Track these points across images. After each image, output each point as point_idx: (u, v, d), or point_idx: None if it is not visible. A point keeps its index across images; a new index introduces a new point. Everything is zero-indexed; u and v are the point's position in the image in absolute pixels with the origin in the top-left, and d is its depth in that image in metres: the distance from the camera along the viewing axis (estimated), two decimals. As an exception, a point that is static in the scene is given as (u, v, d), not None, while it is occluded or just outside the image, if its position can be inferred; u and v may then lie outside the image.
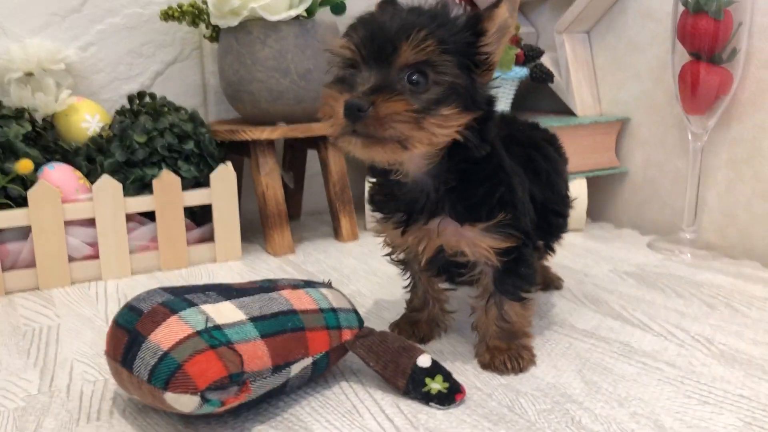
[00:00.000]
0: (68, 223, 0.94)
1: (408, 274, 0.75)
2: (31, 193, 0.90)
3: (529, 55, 1.22)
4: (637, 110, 1.22)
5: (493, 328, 0.68)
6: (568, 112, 1.28)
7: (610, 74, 1.26)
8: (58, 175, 0.95)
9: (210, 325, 0.55)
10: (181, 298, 0.58)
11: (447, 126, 0.58)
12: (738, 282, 0.92)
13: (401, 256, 0.72)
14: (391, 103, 0.55)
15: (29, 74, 1.03)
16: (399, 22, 0.57)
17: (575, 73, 1.26)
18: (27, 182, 0.93)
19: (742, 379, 0.65)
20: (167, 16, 1.08)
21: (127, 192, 0.97)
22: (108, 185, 0.95)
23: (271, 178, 1.07)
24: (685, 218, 1.08)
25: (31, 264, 0.93)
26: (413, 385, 0.62)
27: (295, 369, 0.60)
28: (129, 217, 0.98)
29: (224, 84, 1.10)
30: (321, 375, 0.66)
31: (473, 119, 0.59)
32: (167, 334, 0.54)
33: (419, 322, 0.75)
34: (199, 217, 1.07)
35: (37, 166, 0.95)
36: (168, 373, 0.52)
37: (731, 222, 1.07)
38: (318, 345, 0.62)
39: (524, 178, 0.68)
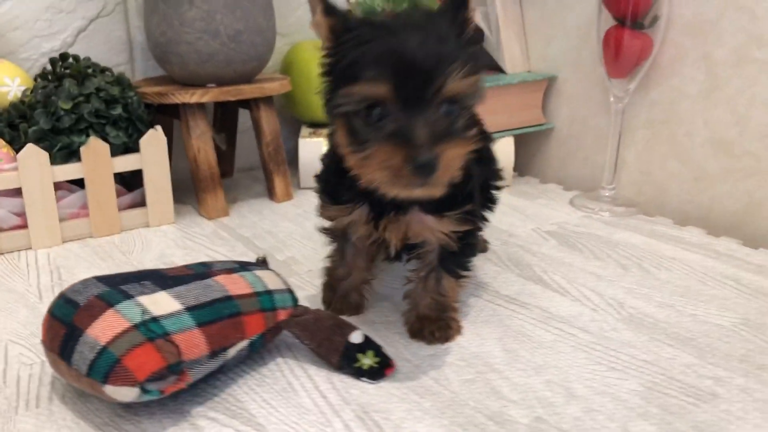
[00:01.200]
0: (-6, 194, 0.93)
1: (337, 245, 0.76)
2: (-48, 165, 0.88)
3: (460, 13, 1.23)
4: (564, 67, 1.25)
5: (427, 300, 0.72)
6: (498, 68, 1.30)
7: (539, 31, 1.28)
8: (-21, 144, 0.92)
9: (147, 317, 0.57)
10: (116, 289, 0.59)
11: (472, 146, 0.58)
12: (651, 241, 0.99)
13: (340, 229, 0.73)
14: (453, 150, 0.55)
15: (-59, 35, 0.98)
16: (430, 53, 0.54)
17: (505, 29, 1.28)
18: (-53, 153, 0.90)
19: (647, 344, 0.71)
20: (87, -29, 1.04)
21: (54, 160, 0.95)
22: (34, 154, 0.93)
23: (202, 141, 1.07)
24: (605, 176, 1.13)
25: (-43, 237, 0.91)
26: (346, 361, 0.65)
27: (232, 352, 0.62)
28: (57, 186, 0.97)
29: (151, 45, 1.08)
30: (257, 352, 0.68)
31: None
32: (104, 328, 0.56)
33: (349, 292, 0.77)
34: (130, 181, 1.06)
35: (-44, 134, 0.92)
36: (107, 367, 0.54)
37: (647, 179, 1.13)
38: (254, 327, 0.64)
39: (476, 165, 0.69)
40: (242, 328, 0.63)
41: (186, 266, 0.67)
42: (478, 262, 0.92)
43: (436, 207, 0.64)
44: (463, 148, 0.56)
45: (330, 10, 0.59)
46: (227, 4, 1.02)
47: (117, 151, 1.00)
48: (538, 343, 0.72)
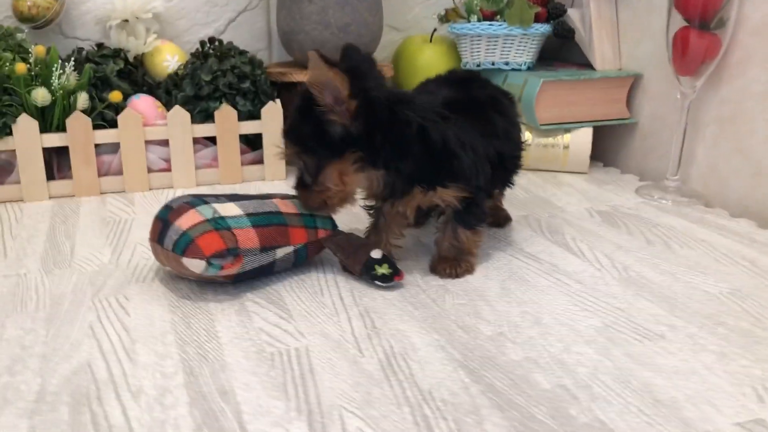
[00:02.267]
0: (148, 143, 1.21)
1: (375, 215, 0.93)
2: (121, 118, 1.17)
3: (552, 13, 1.35)
4: (649, 67, 1.33)
5: (446, 244, 0.88)
6: (591, 65, 1.41)
7: (630, 32, 1.37)
8: (142, 104, 1.21)
9: (216, 216, 0.79)
10: (199, 198, 0.82)
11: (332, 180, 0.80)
12: (692, 225, 1.06)
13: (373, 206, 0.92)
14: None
15: (125, 21, 1.28)
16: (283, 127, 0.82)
17: (597, 30, 1.38)
18: (118, 109, 1.19)
19: (629, 297, 0.82)
20: (235, -27, 1.30)
21: (195, 120, 1.22)
22: (179, 114, 1.20)
23: (312, 113, 1.29)
24: (670, 168, 1.21)
25: (119, 172, 1.21)
26: (365, 269, 0.84)
27: (280, 253, 0.83)
28: (196, 141, 1.24)
29: (280, 33, 1.32)
30: (304, 264, 0.89)
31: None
32: (186, 220, 0.78)
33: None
34: (254, 143, 1.30)
35: (127, 96, 1.22)
36: (185, 244, 0.77)
37: (713, 173, 1.19)
38: (298, 238, 0.85)
39: (479, 146, 0.83)
40: (287, 235, 0.83)
41: (259, 194, 0.89)
42: (519, 227, 1.05)
43: (430, 184, 0.81)
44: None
45: None
46: (338, 2, 1.23)
47: (243, 117, 1.25)
48: (533, 286, 0.85)
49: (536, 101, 1.28)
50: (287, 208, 0.86)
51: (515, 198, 1.20)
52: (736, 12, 1.10)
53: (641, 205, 1.17)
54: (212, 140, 1.26)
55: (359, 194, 0.87)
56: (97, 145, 1.19)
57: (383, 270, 0.83)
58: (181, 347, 0.70)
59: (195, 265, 0.77)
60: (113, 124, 1.18)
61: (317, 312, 0.78)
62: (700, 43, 1.12)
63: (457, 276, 0.87)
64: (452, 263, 0.88)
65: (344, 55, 0.83)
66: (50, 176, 1.19)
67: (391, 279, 0.83)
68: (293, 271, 0.88)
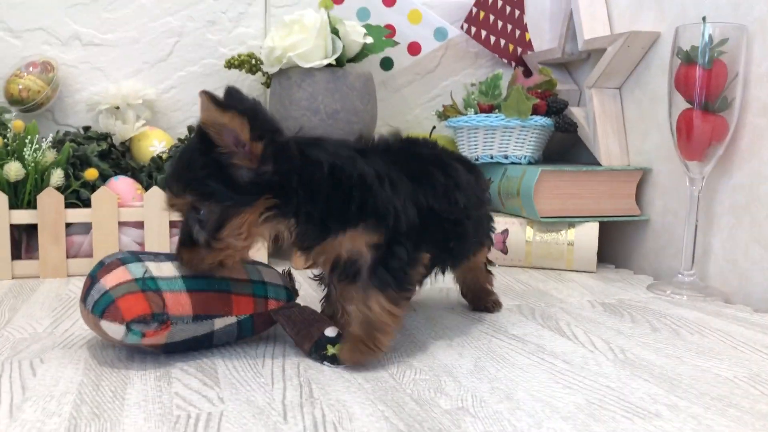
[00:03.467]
0: (123, 224, 1.15)
1: (323, 287, 0.83)
2: (95, 196, 1.12)
3: (553, 107, 1.31)
4: (658, 160, 1.25)
5: (356, 314, 0.71)
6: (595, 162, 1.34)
7: (636, 126, 1.31)
8: (121, 185, 1.17)
9: (147, 275, 0.71)
10: (134, 255, 0.74)
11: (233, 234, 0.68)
12: (707, 317, 0.93)
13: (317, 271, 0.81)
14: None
15: (117, 107, 1.27)
16: (169, 177, 0.70)
17: (602, 125, 1.32)
18: (95, 188, 1.15)
19: (623, 377, 0.69)
20: (230, 64, 1.30)
21: (174, 203, 1.17)
22: (156, 195, 1.15)
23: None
24: (683, 262, 1.09)
25: (90, 254, 1.14)
26: (315, 348, 0.73)
27: (219, 324, 0.73)
28: (173, 224, 1.17)
29: (270, 121, 1.29)
30: (249, 336, 0.78)
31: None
32: (112, 279, 0.70)
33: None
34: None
35: (107, 178, 1.18)
36: (104, 305, 0.68)
37: (732, 268, 1.08)
38: (243, 308, 0.75)
39: (402, 185, 0.72)
40: (229, 303, 0.74)
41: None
42: (508, 315, 0.94)
43: (337, 225, 0.69)
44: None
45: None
46: (328, 88, 1.21)
47: (225, 202, 1.19)
48: (511, 364, 0.73)
49: (535, 192, 1.20)
50: (236, 273, 0.77)
51: (510, 289, 1.09)
52: (741, 92, 1.04)
53: (652, 299, 1.05)
54: (191, 225, 1.20)
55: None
56: (68, 225, 1.13)
57: (335, 350, 0.72)
58: (77, 407, 0.59)
59: (114, 330, 0.68)
60: (88, 204, 1.13)
61: (250, 381, 0.67)
62: (705, 125, 1.05)
63: (358, 362, 0.70)
64: (360, 343, 0.70)
65: (229, 97, 0.74)
66: (17, 255, 1.13)
67: (341, 361, 0.72)
68: (239, 343, 0.78)
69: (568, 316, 0.93)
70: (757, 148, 1.04)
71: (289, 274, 0.84)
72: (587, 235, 1.23)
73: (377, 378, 0.68)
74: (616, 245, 1.35)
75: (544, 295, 1.06)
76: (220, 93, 1.37)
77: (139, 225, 1.16)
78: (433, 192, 0.76)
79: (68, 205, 1.13)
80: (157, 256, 0.75)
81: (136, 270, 0.71)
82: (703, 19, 1.04)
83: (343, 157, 0.70)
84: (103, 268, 0.72)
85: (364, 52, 1.27)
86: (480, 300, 0.96)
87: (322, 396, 0.63)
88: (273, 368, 0.70)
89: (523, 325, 0.88)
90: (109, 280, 0.70)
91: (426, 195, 0.74)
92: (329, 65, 1.22)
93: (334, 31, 1.22)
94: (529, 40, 1.53)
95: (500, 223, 1.27)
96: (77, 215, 1.13)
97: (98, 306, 0.68)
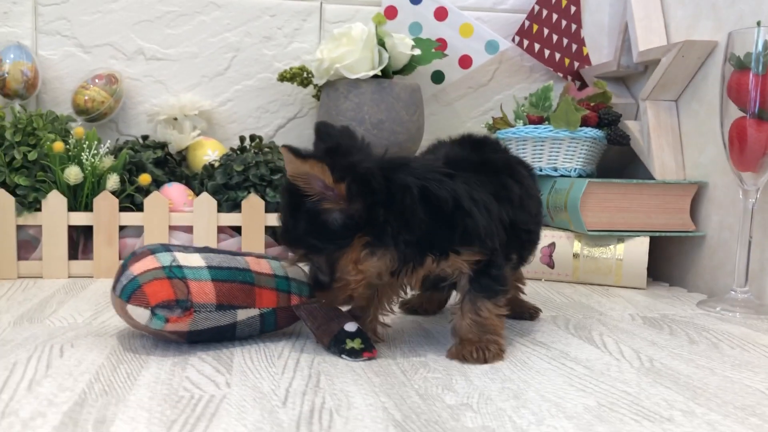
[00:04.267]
0: (173, 228, 1.20)
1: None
2: (147, 200, 1.17)
3: (605, 118, 1.28)
4: (714, 173, 1.20)
5: (466, 322, 0.74)
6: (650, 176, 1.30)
7: (693, 139, 1.26)
8: (174, 191, 1.22)
9: (174, 264, 0.73)
10: (163, 246, 0.77)
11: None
12: (755, 333, 0.88)
13: None
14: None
15: (175, 118, 1.33)
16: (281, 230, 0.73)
17: (656, 138, 1.28)
18: (149, 193, 1.20)
19: (643, 384, 0.66)
20: (282, 77, 1.34)
21: (222, 209, 1.21)
22: (206, 200, 1.19)
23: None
24: (736, 278, 1.04)
25: (141, 256, 1.19)
26: (335, 342, 0.73)
27: (242, 315, 0.75)
28: (221, 229, 1.21)
29: (319, 132, 1.32)
30: (272, 330, 0.79)
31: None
32: (140, 266, 0.73)
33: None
34: (282, 239, 1.26)
35: (162, 183, 1.23)
36: (131, 290, 0.71)
37: (791, 285, 1.02)
38: (266, 301, 0.77)
39: (492, 205, 0.73)
40: (252, 296, 0.75)
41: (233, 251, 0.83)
42: (542, 325, 0.91)
43: (442, 249, 0.71)
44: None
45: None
46: (374, 99, 1.23)
47: (272, 208, 1.22)
48: (529, 367, 0.71)
49: (581, 203, 1.18)
50: (259, 266, 0.79)
51: (550, 301, 1.06)
52: (799, 99, 0.98)
53: (700, 315, 1.00)
54: (238, 230, 1.23)
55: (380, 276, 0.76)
56: (122, 228, 1.19)
57: (354, 344, 0.73)
58: (90, 384, 0.62)
59: (139, 314, 0.70)
60: (142, 209, 1.19)
61: (261, 370, 0.68)
62: (759, 134, 1.00)
63: (486, 361, 0.72)
64: (478, 345, 0.73)
65: (318, 135, 0.76)
66: (74, 256, 1.19)
67: (360, 354, 0.72)
68: (260, 337, 0.79)
69: (603, 327, 0.90)
70: (815, 158, 0.98)
71: None
72: (637, 249, 1.18)
73: (388, 373, 0.68)
74: (670, 263, 1.29)
75: (584, 308, 1.03)
76: (274, 105, 1.42)
77: (189, 229, 1.20)
78: (511, 205, 0.77)
79: (122, 209, 1.18)
80: (186, 248, 0.78)
81: (163, 258, 0.74)
82: (758, 23, 1.00)
83: (431, 179, 0.70)
84: (134, 257, 0.75)
85: (412, 64, 1.28)
86: (516, 307, 0.94)
87: (327, 386, 0.63)
88: (288, 360, 0.71)
89: (553, 334, 0.86)
90: (137, 268, 0.73)
91: (507, 210, 0.76)
92: (376, 76, 1.23)
93: (381, 43, 1.24)
94: (587, 54, 1.51)
95: (547, 236, 1.25)
96: (130, 218, 1.18)
97: (126, 291, 0.71)
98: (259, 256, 0.81)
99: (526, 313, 0.94)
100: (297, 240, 0.72)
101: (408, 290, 0.83)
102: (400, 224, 0.69)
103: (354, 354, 0.72)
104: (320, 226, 0.69)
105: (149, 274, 0.71)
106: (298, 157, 0.65)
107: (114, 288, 0.74)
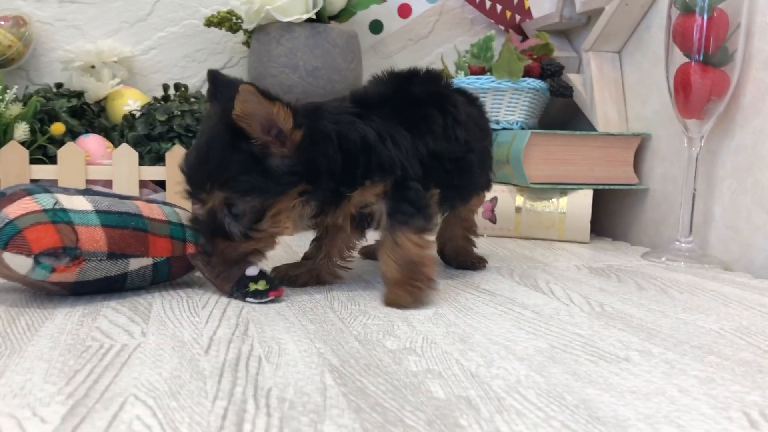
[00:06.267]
0: (91, 182, 1.10)
1: (318, 229, 0.79)
2: (61, 152, 1.07)
3: (547, 69, 1.24)
4: (658, 125, 1.18)
5: (390, 262, 0.69)
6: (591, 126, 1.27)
7: (637, 91, 1.24)
8: (91, 142, 1.12)
9: (57, 207, 0.64)
10: (41, 187, 0.68)
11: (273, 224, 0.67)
12: (701, 280, 0.86)
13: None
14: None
15: (92, 66, 1.23)
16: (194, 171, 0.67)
17: (599, 90, 1.25)
18: (63, 145, 1.10)
19: (595, 326, 0.62)
20: (210, 22, 1.25)
21: (144, 162, 1.12)
22: (126, 152, 1.10)
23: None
24: (681, 228, 1.02)
25: (55, 212, 1.09)
26: (237, 287, 0.68)
27: (134, 264, 0.68)
28: (143, 184, 1.12)
29: (249, 80, 1.23)
30: (166, 280, 0.73)
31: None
32: (17, 208, 0.63)
33: (301, 268, 0.78)
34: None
35: (78, 135, 1.13)
36: (9, 235, 0.61)
37: (734, 235, 1.00)
38: (160, 249, 0.70)
39: (402, 138, 0.71)
40: (146, 244, 0.68)
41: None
42: (485, 274, 0.87)
43: (351, 185, 0.69)
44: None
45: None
46: (308, 44, 1.15)
47: (199, 162, 1.14)
48: (475, 312, 0.67)
49: (525, 155, 1.14)
50: (151, 212, 0.71)
51: (493, 255, 1.02)
52: (744, 44, 0.96)
53: (645, 265, 0.98)
54: (162, 185, 1.15)
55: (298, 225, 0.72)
56: (33, 181, 1.09)
57: (257, 286, 0.67)
58: (-18, 336, 0.54)
59: (19, 264, 0.61)
60: (56, 162, 1.09)
61: (183, 320, 0.61)
62: (704, 80, 0.98)
63: (419, 301, 0.68)
64: (407, 287, 0.68)
65: (214, 84, 0.72)
66: (-21, 213, 1.08)
67: (266, 294, 0.67)
68: (180, 284, 0.72)
69: (549, 276, 0.87)
70: (760, 105, 0.96)
71: None
72: (580, 203, 1.16)
73: (325, 320, 0.62)
74: (612, 217, 1.28)
75: (528, 259, 0.99)
76: (201, 54, 1.33)
77: (108, 184, 1.11)
78: (432, 136, 0.74)
79: (33, 161, 1.08)
80: (66, 190, 0.69)
81: (44, 200, 0.65)
82: (704, -36, 0.97)
83: (345, 122, 0.69)
84: (5, 198, 0.66)
85: (349, 9, 1.21)
86: (462, 256, 0.90)
87: (257, 333, 0.57)
88: (213, 309, 0.65)
89: (498, 282, 0.82)
90: (12, 210, 0.63)
91: (426, 141, 0.73)
92: (310, 20, 1.16)
93: (316, -15, 1.16)
94: (528, 8, 1.47)
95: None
96: (42, 171, 1.08)
97: (1, 236, 0.61)
98: (149, 201, 0.73)
99: (470, 262, 0.90)
100: (226, 181, 0.65)
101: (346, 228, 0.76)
102: (327, 173, 0.68)
103: (259, 295, 0.67)
104: (261, 171, 0.65)
105: (29, 217, 0.62)
106: (265, 97, 0.62)
107: None
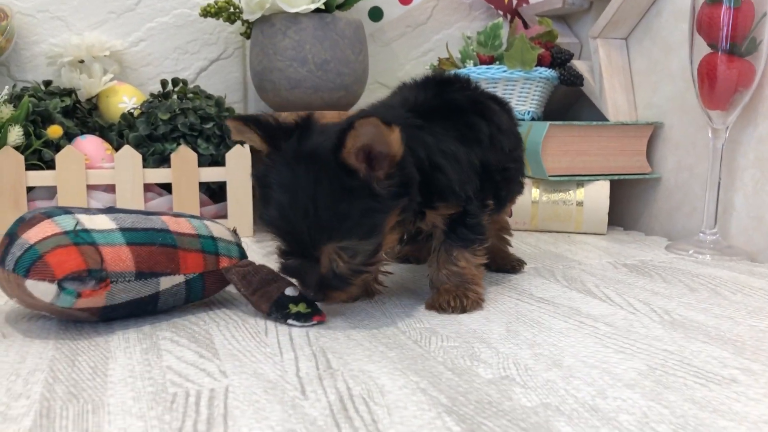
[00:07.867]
0: (92, 188, 1.03)
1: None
2: (59, 157, 1.00)
3: (557, 58, 1.22)
4: (670, 113, 1.17)
5: (443, 272, 0.71)
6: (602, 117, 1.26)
7: (646, 79, 1.23)
8: (89, 145, 1.05)
9: (79, 228, 0.59)
10: (61, 209, 0.63)
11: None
12: (741, 276, 0.86)
13: None
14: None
15: (81, 61, 1.15)
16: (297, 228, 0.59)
17: (608, 78, 1.23)
18: (59, 148, 1.03)
19: (677, 339, 0.61)
20: (206, 12, 1.18)
21: (148, 164, 1.05)
22: (129, 155, 1.03)
23: (286, 162, 1.12)
24: (705, 220, 1.02)
25: (55, 221, 1.02)
26: (276, 306, 0.64)
27: (165, 283, 0.63)
28: (148, 188, 1.06)
29: (252, 74, 1.18)
30: (200, 298, 0.69)
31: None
32: (37, 232, 0.59)
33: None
34: (218, 195, 1.13)
35: (73, 136, 1.06)
36: (30, 261, 0.56)
37: (758, 225, 1.00)
38: (191, 265, 0.65)
39: (460, 154, 0.69)
40: (176, 260, 0.64)
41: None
42: (526, 276, 0.85)
43: (420, 206, 0.66)
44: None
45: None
46: (316, 36, 1.10)
47: (205, 162, 1.08)
48: (548, 328, 0.64)
49: (543, 148, 1.12)
50: (179, 226, 0.67)
51: (521, 252, 1.00)
52: (770, 34, 0.96)
53: (675, 260, 0.97)
54: (168, 188, 1.09)
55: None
56: (30, 189, 1.01)
57: (299, 308, 0.64)
58: (49, 386, 0.49)
59: (42, 291, 0.56)
60: (52, 166, 1.02)
61: (254, 351, 0.57)
62: (731, 71, 0.97)
63: (464, 310, 0.69)
64: (455, 293, 0.70)
65: (309, 128, 0.62)
66: (-29, 224, 1.00)
67: (309, 318, 0.63)
68: (230, 307, 0.68)
69: (593, 278, 0.85)
70: (786, 95, 0.96)
71: (235, 231, 0.75)
72: (598, 194, 1.14)
73: (400, 345, 0.59)
74: (624, 207, 1.27)
75: (558, 257, 0.98)
76: (194, 45, 1.26)
77: (110, 188, 1.05)
78: (481, 147, 0.72)
79: (29, 167, 1.00)
80: (87, 210, 0.64)
81: (64, 222, 0.60)
82: (730, -47, 0.95)
83: (410, 137, 0.63)
84: (24, 223, 0.61)
85: (355, -4, 1.16)
86: (499, 258, 0.88)
87: (341, 366, 0.54)
88: (278, 336, 0.61)
89: (547, 288, 0.80)
90: (32, 235, 0.58)
91: (477, 152, 0.71)
92: (317, 10, 1.11)
93: (323, -27, 1.11)
94: (526, -9, 1.44)
95: (503, 183, 1.18)
96: (40, 178, 1.01)
97: (21, 264, 0.56)
98: (175, 215, 0.69)
99: (510, 265, 0.88)
100: (348, 230, 0.59)
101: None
102: (415, 185, 0.64)
103: (303, 318, 0.64)
104: (376, 205, 0.59)
105: (50, 240, 0.58)
106: (387, 126, 0.56)
107: (2, 262, 0.59)
